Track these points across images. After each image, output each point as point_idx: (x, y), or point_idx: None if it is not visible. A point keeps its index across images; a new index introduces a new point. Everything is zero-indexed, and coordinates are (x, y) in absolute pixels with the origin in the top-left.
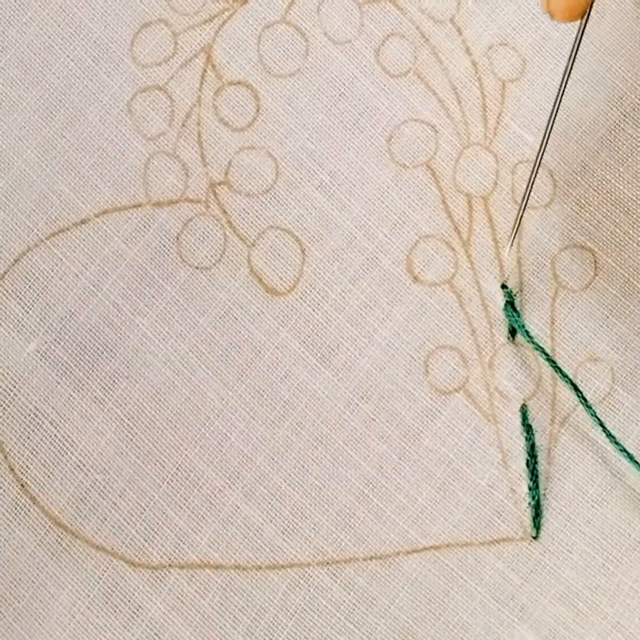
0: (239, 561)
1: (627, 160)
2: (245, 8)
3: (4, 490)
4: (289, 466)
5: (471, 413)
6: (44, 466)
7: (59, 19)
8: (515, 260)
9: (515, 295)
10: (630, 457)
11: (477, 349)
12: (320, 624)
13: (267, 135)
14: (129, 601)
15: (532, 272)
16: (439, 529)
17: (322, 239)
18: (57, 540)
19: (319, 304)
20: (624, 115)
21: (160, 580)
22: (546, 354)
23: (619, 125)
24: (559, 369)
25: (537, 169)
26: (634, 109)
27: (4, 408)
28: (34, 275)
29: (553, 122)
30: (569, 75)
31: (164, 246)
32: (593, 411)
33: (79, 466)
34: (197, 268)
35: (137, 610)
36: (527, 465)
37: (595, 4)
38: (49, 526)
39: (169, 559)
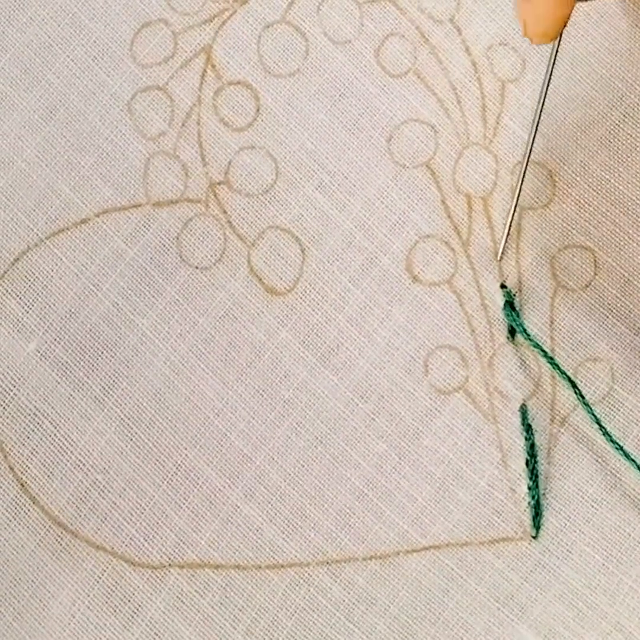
0: (239, 561)
1: (626, 160)
2: (245, 8)
3: (4, 490)
4: (288, 466)
5: (471, 413)
6: (44, 466)
7: (59, 18)
8: (514, 260)
9: (514, 295)
10: (628, 457)
11: (477, 348)
12: (320, 623)
13: (267, 135)
14: (129, 601)
15: (532, 271)
16: (439, 529)
17: (322, 239)
18: (57, 540)
19: (318, 304)
20: (624, 116)
21: (160, 579)
22: (545, 353)
23: (619, 126)
24: (559, 367)
25: (524, 176)
26: (633, 109)
27: (4, 407)
28: (34, 274)
29: (533, 140)
30: (546, 92)
31: (164, 246)
32: (592, 411)
33: (78, 466)
34: (197, 268)
35: (137, 609)
36: (527, 464)
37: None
38: (49, 526)
39: (169, 558)
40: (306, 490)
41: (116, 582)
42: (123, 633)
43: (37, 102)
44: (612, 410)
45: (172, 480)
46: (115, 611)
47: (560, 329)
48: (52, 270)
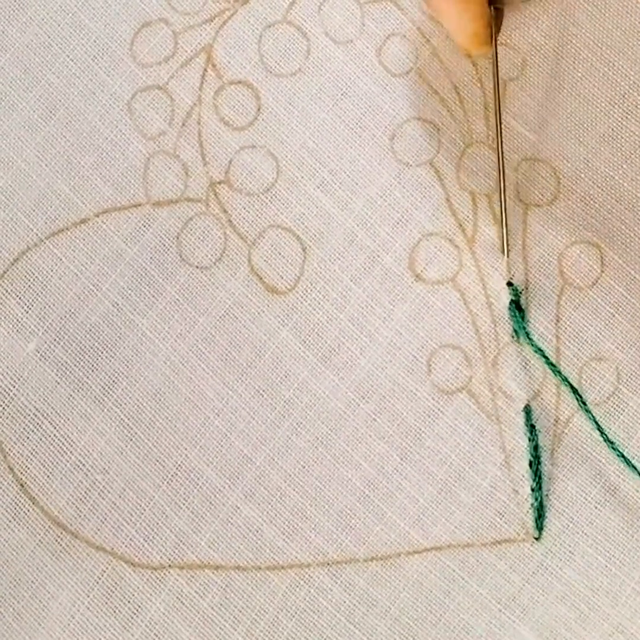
0: (239, 561)
1: (630, 157)
2: (246, 8)
3: (4, 490)
4: (289, 466)
5: (474, 413)
6: (44, 466)
7: (58, 18)
8: (521, 257)
9: (521, 292)
10: (629, 463)
11: (481, 348)
12: (320, 624)
13: (268, 134)
14: (129, 601)
15: (539, 269)
16: (440, 530)
17: (323, 238)
18: (56, 540)
19: (319, 303)
20: (627, 113)
21: (160, 580)
22: (547, 358)
23: (622, 123)
24: (559, 373)
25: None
26: (636, 107)
27: (4, 408)
28: (34, 274)
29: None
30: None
31: (164, 246)
32: (594, 417)
33: (78, 466)
34: (197, 267)
35: (137, 610)
36: (530, 466)
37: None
38: (49, 526)
39: (169, 559)
40: (307, 490)
41: (116, 582)
42: (123, 634)
43: (37, 102)
44: (617, 410)
45: (172, 481)
46: (115, 612)
47: (566, 328)
48: (52, 270)
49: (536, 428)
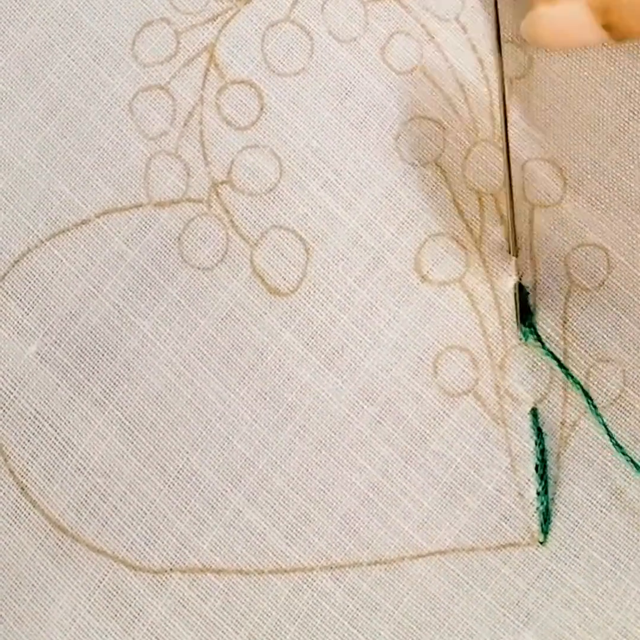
0: (241, 565)
1: (637, 157)
2: (249, 7)
3: (4, 494)
4: (292, 470)
5: (480, 416)
6: (45, 469)
7: (59, 18)
8: (528, 259)
9: (529, 294)
10: (635, 466)
11: (488, 350)
12: (323, 628)
13: (271, 134)
14: (130, 605)
15: (546, 270)
16: (445, 534)
17: (327, 239)
18: (57, 544)
19: (323, 305)
20: (633, 112)
21: (162, 584)
22: (558, 361)
23: (629, 123)
24: (571, 376)
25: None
26: None
27: (4, 411)
28: (34, 276)
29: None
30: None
31: (166, 247)
32: (602, 419)
33: (79, 469)
34: (198, 268)
35: (138, 614)
36: (536, 469)
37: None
38: (50, 530)
39: (171, 563)
40: (310, 494)
41: (117, 586)
42: (124, 638)
43: (37, 102)
44: (623, 413)
45: (173, 484)
46: (116, 616)
47: (573, 329)
48: (53, 272)
49: (543, 431)
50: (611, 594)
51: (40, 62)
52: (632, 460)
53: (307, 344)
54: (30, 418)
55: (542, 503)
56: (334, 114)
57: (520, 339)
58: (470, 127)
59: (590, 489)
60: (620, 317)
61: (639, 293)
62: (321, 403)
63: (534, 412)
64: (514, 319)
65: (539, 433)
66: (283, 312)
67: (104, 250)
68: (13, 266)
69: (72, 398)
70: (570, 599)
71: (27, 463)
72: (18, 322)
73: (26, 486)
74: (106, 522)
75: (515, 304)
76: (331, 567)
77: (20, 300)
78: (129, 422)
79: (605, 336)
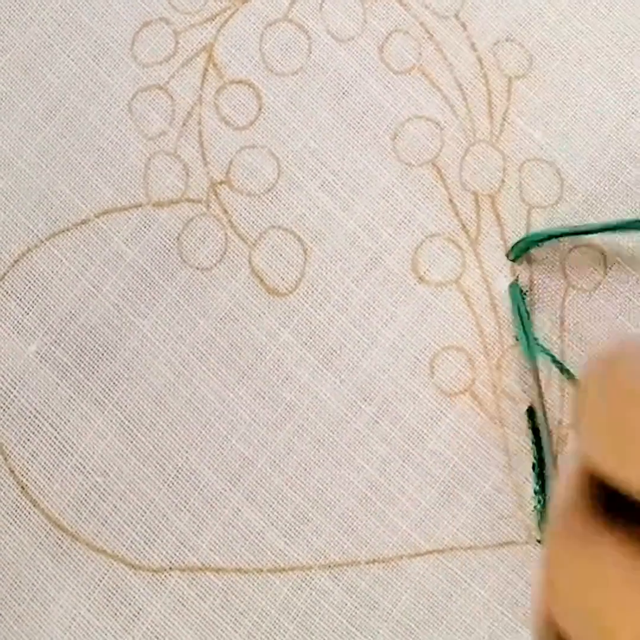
0: (240, 564)
1: (635, 158)
2: (247, 6)
3: (4, 493)
4: (290, 469)
5: (477, 415)
6: (44, 468)
7: (59, 18)
8: (525, 259)
9: (525, 294)
10: None
11: (485, 350)
12: (322, 627)
13: (269, 133)
14: (130, 604)
15: (542, 271)
16: (443, 533)
17: (325, 239)
18: (57, 543)
19: (321, 305)
20: (632, 112)
21: (161, 583)
22: (560, 363)
23: (627, 122)
24: (572, 375)
25: None
26: None
27: (4, 410)
28: (34, 276)
29: None
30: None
31: (165, 247)
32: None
33: (79, 468)
34: (197, 268)
35: (138, 613)
36: (533, 468)
37: None
38: (49, 528)
39: (170, 561)
40: (308, 493)
41: (117, 585)
42: (123, 636)
43: (37, 102)
44: None
45: (173, 483)
46: (115, 614)
47: (570, 330)
48: (52, 272)
49: (539, 430)
50: None
51: (40, 62)
52: None
53: (306, 344)
54: (30, 417)
55: (539, 502)
56: (332, 114)
57: (517, 340)
58: (468, 127)
59: None
60: (617, 317)
61: (635, 293)
62: (319, 402)
63: (531, 411)
64: (511, 320)
65: (536, 432)
66: (281, 312)
67: (103, 250)
68: (13, 266)
69: (71, 397)
70: None
71: (27, 462)
72: (18, 321)
73: (26, 485)
74: (106, 521)
75: (512, 304)
76: (330, 566)
77: (20, 299)
78: (129, 421)
79: (602, 337)
